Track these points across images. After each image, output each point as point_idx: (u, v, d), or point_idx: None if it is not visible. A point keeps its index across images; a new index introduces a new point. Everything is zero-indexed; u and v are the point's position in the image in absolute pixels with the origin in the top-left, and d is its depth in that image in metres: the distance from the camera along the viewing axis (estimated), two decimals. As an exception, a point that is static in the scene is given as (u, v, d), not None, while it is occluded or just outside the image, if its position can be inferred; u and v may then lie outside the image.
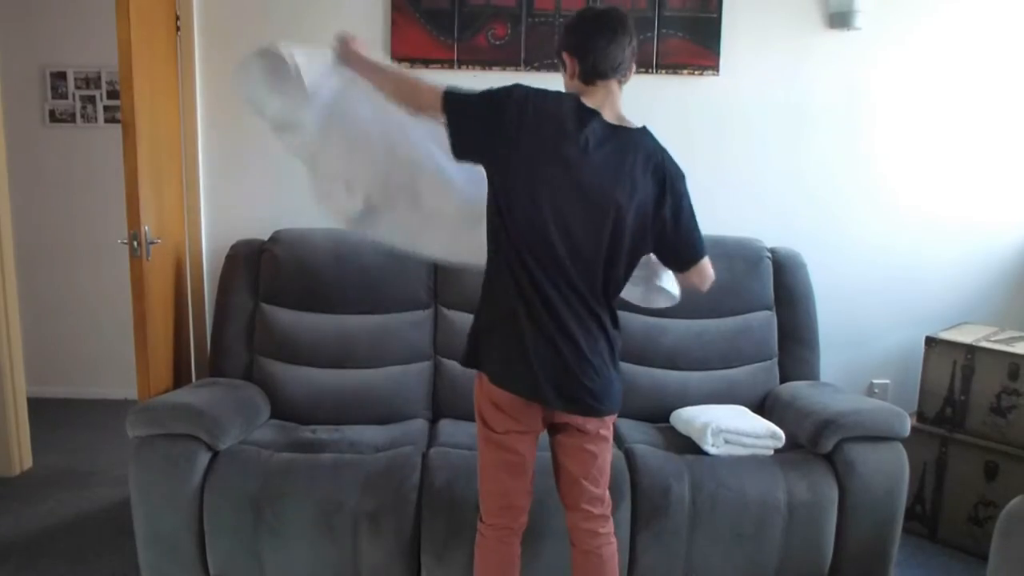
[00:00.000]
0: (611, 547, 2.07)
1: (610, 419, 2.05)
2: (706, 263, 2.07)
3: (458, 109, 1.94)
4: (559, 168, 1.88)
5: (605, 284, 1.94)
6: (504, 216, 1.91)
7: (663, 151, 1.98)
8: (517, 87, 1.92)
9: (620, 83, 1.96)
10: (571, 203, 1.88)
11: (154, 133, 2.86)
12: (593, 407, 1.97)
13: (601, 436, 2.03)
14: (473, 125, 1.93)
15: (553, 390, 1.92)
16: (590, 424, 2.00)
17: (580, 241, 1.89)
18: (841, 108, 3.24)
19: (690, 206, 2.01)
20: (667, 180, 1.95)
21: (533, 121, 1.88)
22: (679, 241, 2.02)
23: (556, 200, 1.87)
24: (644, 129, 1.98)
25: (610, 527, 2.08)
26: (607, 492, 2.09)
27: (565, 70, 1.98)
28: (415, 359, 2.96)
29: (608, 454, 2.08)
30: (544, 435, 2.09)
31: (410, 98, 2.03)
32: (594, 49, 1.91)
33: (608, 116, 1.93)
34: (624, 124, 1.95)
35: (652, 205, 1.94)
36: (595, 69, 1.92)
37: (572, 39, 1.95)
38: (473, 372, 2.06)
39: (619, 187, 1.88)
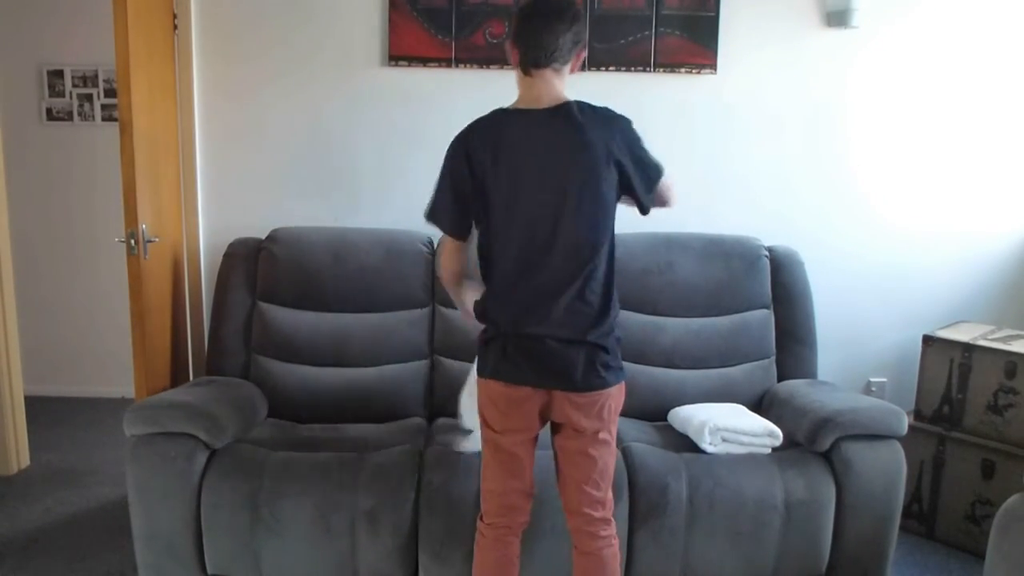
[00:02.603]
0: (612, 549, 2.07)
1: (609, 419, 2.04)
2: (667, 181, 2.07)
3: (435, 207, 2.07)
4: (521, 176, 1.93)
5: (592, 256, 1.95)
6: (491, 236, 1.99)
7: (601, 113, 1.98)
8: (453, 141, 2.01)
9: (558, 71, 1.97)
10: (540, 202, 1.93)
11: (151, 131, 2.86)
12: (575, 382, 1.97)
13: (600, 440, 2.02)
14: (451, 205, 2.03)
15: (536, 370, 1.96)
16: (585, 422, 1.99)
17: (558, 234, 1.93)
18: (839, 106, 3.24)
19: (641, 142, 2.01)
20: (619, 139, 1.96)
21: (482, 154, 1.95)
22: (643, 176, 2.02)
23: (527, 205, 1.93)
24: (578, 103, 1.97)
25: (611, 529, 2.08)
26: (609, 494, 2.09)
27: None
28: (412, 358, 2.96)
29: (610, 457, 2.08)
30: (547, 437, 2.10)
31: (447, 271, 2.15)
32: (527, 37, 1.95)
33: (544, 104, 1.95)
34: (559, 104, 1.96)
35: (611, 165, 1.94)
36: (528, 58, 1.95)
37: (513, 28, 2.01)
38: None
39: (573, 167, 1.92)
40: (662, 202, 2.10)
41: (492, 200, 1.96)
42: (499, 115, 2.00)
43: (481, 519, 2.12)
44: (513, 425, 2.02)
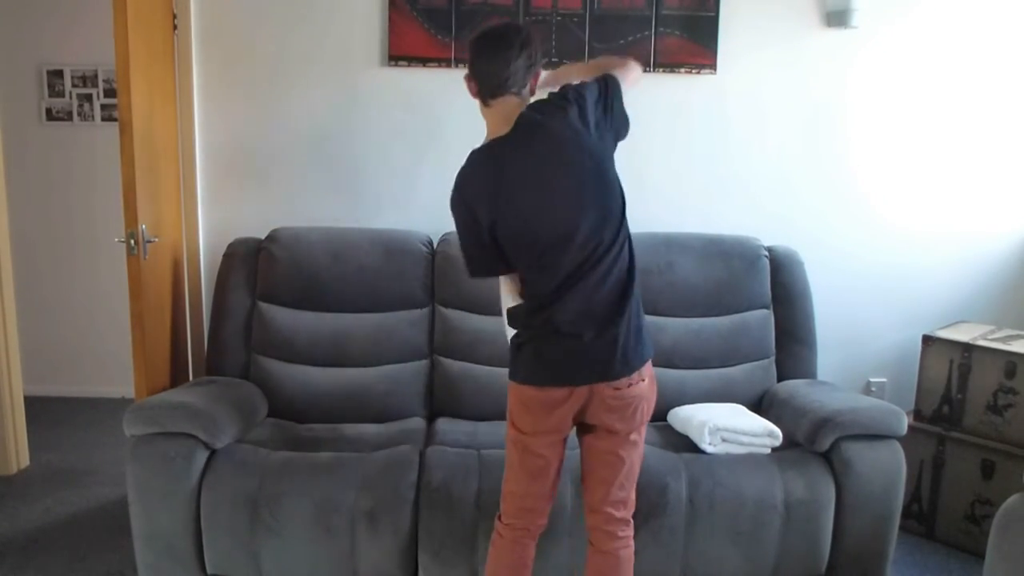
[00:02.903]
0: (628, 551, 2.07)
1: (642, 420, 2.03)
2: (622, 78, 2.08)
3: (470, 263, 2.09)
4: (525, 203, 1.93)
5: (616, 237, 1.96)
6: (517, 262, 2.02)
7: (551, 102, 1.97)
8: (451, 201, 2.02)
9: (518, 94, 1.98)
10: (554, 217, 1.93)
11: (151, 131, 2.86)
12: (613, 370, 1.96)
13: (631, 441, 2.03)
14: (481, 254, 2.04)
15: (573, 367, 1.95)
16: (619, 424, 1.99)
17: (577, 235, 1.92)
18: (838, 107, 3.24)
19: (593, 91, 2.00)
20: (582, 113, 1.96)
21: (480, 201, 1.96)
22: (619, 113, 2.04)
23: (542, 225, 1.93)
24: (531, 106, 1.98)
25: (630, 531, 2.08)
26: (632, 495, 2.09)
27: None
28: (412, 358, 2.96)
29: (638, 459, 2.08)
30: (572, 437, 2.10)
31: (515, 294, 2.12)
32: (479, 69, 1.98)
33: (507, 127, 1.95)
34: (516, 119, 1.96)
35: (592, 136, 1.95)
36: (484, 88, 1.98)
37: (469, 61, 2.02)
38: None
39: (568, 167, 1.93)
40: (632, 87, 2.12)
41: (507, 234, 1.97)
42: (478, 157, 2.00)
43: (499, 518, 2.12)
44: (544, 427, 2.01)
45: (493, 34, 2.01)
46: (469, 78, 2.01)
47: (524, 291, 2.03)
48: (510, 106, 1.97)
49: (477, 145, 2.02)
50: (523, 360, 2.00)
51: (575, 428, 2.07)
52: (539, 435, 2.01)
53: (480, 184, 1.98)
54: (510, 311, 2.06)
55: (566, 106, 1.95)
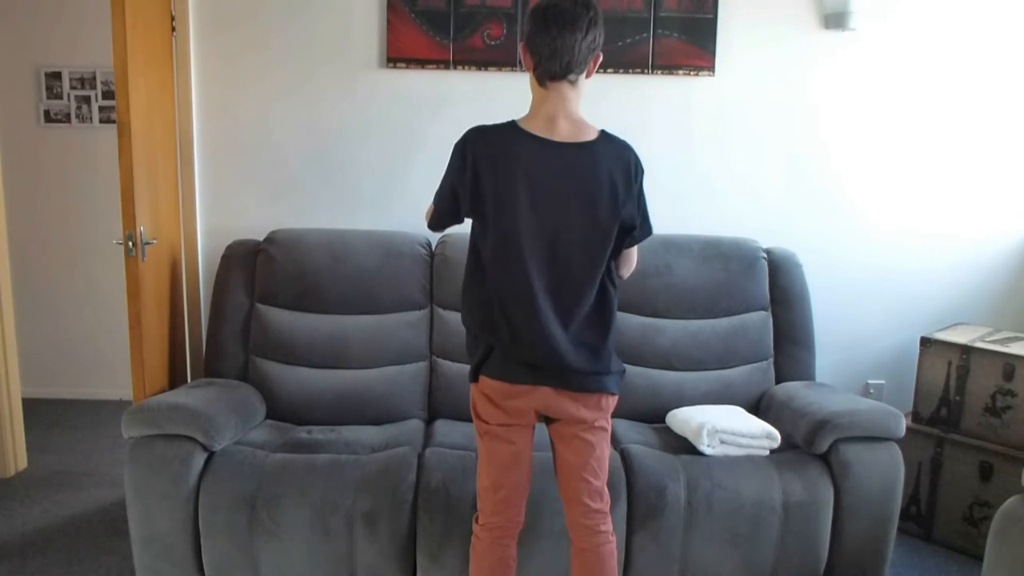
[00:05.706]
0: (610, 545, 2.06)
1: (607, 408, 2.04)
2: (634, 250, 2.08)
3: (438, 200, 2.02)
4: (517, 196, 1.90)
5: (588, 278, 1.96)
6: (485, 247, 1.97)
7: (618, 155, 1.95)
8: (461, 141, 1.96)
9: (573, 83, 1.91)
10: (536, 225, 1.91)
11: (149, 133, 2.85)
12: (578, 382, 1.98)
13: (598, 427, 2.03)
14: (447, 195, 2.00)
15: (535, 375, 1.96)
16: (584, 412, 2.00)
17: (550, 255, 1.92)
18: (837, 108, 3.25)
19: (643, 195, 2.02)
20: (627, 183, 1.95)
21: (484, 162, 1.91)
22: (634, 228, 2.03)
23: (521, 225, 1.90)
24: (601, 137, 1.95)
25: (609, 524, 2.08)
26: (606, 488, 2.09)
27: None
28: (411, 359, 2.96)
29: (606, 447, 2.08)
30: (544, 433, 2.11)
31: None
32: (541, 47, 1.87)
33: (562, 128, 1.91)
34: (578, 138, 1.92)
35: (614, 210, 1.94)
36: (543, 69, 1.89)
37: (527, 31, 1.92)
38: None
39: (578, 205, 1.91)
40: (627, 266, 2.11)
41: (489, 217, 1.94)
42: (511, 132, 1.93)
43: (476, 520, 2.11)
44: (509, 420, 2.02)
45: (560, 12, 1.86)
46: (526, 50, 1.92)
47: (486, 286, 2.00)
48: (566, 96, 1.91)
49: None
50: (487, 361, 2.00)
51: (544, 421, 2.08)
52: (505, 424, 2.02)
53: (500, 156, 1.91)
54: (466, 311, 2.05)
55: (631, 175, 1.93)
